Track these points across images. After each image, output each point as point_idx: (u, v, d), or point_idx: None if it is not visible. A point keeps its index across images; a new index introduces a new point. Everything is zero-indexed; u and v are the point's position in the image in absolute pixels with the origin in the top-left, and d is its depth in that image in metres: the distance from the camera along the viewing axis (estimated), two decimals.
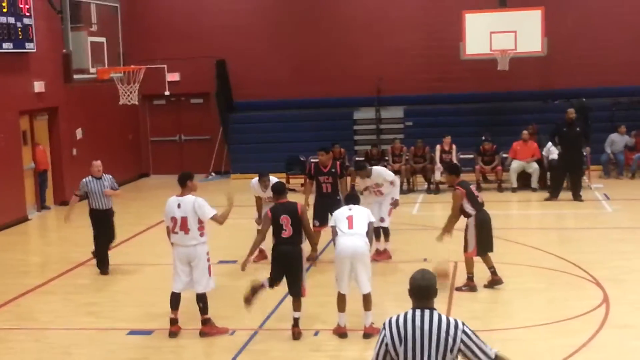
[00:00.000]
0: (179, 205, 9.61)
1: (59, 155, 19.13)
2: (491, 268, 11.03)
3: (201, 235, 9.50)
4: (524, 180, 19.09)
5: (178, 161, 23.78)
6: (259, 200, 13.00)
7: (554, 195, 17.45)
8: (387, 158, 19.96)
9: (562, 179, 17.66)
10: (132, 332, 9.84)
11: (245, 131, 22.92)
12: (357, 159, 20.82)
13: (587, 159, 18.57)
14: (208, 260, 9.58)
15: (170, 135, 24.09)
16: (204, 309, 9.58)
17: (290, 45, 23.14)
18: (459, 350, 4.86)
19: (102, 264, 12.88)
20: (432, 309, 4.94)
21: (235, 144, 23.07)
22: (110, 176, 13.05)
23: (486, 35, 19.85)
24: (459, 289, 10.94)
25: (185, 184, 9.79)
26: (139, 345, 9.47)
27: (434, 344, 4.83)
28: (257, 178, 12.81)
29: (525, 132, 19.29)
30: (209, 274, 9.59)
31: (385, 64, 22.48)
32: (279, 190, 9.79)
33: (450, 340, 4.83)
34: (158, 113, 24.09)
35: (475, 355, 4.88)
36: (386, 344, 4.91)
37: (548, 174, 18.68)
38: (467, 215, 10.96)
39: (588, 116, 20.04)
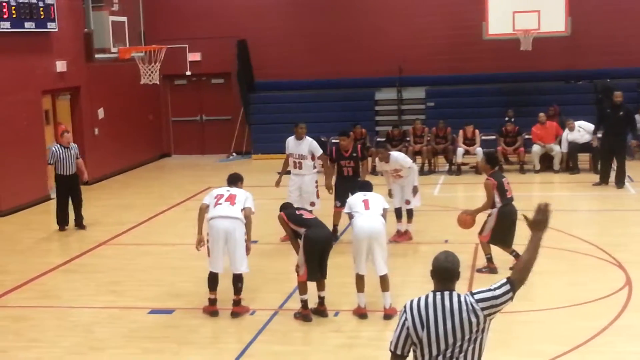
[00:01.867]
0: (227, 189, 9.77)
1: (80, 135, 19.18)
2: (488, 255, 10.99)
3: (241, 215, 9.56)
4: (546, 162, 18.95)
5: (199, 141, 23.85)
6: (287, 160, 13.06)
7: (603, 180, 16.97)
8: (408, 139, 19.88)
9: (608, 163, 17.15)
10: (153, 311, 9.89)
11: (266, 111, 22.90)
12: (378, 139, 20.79)
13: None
14: (246, 241, 9.57)
15: (191, 115, 24.10)
16: (240, 290, 9.61)
17: (312, 25, 23.03)
18: (487, 316, 4.80)
19: (64, 222, 14.54)
20: (452, 291, 4.88)
21: (256, 124, 23.05)
22: (76, 145, 14.81)
23: (509, 15, 19.67)
24: (479, 270, 10.91)
25: (236, 184, 9.92)
26: (159, 324, 9.52)
27: (458, 326, 4.77)
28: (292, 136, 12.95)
29: (542, 114, 19.10)
30: (246, 255, 9.62)
31: (407, 44, 22.34)
32: None
33: (474, 319, 4.77)
34: (179, 93, 24.10)
35: (499, 304, 4.83)
36: (407, 328, 4.83)
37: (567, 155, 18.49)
38: (493, 206, 10.93)
39: (612, 97, 19.77)
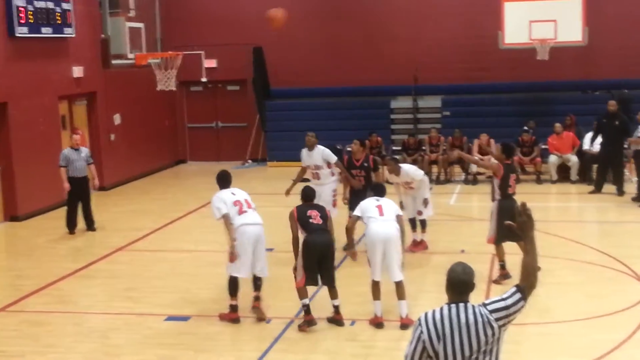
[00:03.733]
0: (232, 193, 9.82)
1: (97, 141, 19.27)
2: (501, 262, 10.89)
3: None
4: (563, 173, 18.88)
5: (215, 148, 23.90)
6: (302, 171, 13.03)
7: (597, 189, 17.17)
8: (424, 148, 19.84)
9: (604, 172, 17.36)
10: (169, 318, 9.90)
11: (281, 118, 22.90)
12: (394, 148, 20.78)
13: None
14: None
15: (207, 122, 24.16)
16: (260, 286, 9.79)
17: (328, 33, 23.05)
18: (501, 326, 4.76)
19: (73, 225, 14.76)
20: (466, 303, 4.85)
21: (271, 132, 23.07)
22: (87, 149, 15.20)
23: (525, 24, 19.62)
24: (495, 281, 10.83)
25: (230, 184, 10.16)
26: (175, 331, 9.53)
27: (474, 339, 4.74)
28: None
29: (557, 124, 19.05)
30: None
31: (423, 53, 22.33)
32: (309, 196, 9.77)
33: (489, 330, 4.74)
34: (195, 99, 24.17)
35: (511, 314, 4.79)
36: (423, 341, 4.79)
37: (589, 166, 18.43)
38: (493, 199, 10.95)
39: (630, 108, 19.72)
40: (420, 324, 4.83)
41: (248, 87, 23.47)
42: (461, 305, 4.81)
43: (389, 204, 9.67)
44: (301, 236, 9.32)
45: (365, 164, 12.62)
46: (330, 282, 9.38)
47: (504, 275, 10.83)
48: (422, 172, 12.81)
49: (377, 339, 9.07)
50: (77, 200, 14.82)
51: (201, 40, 22.56)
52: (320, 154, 12.69)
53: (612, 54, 21.38)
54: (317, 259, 9.24)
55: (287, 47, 22.97)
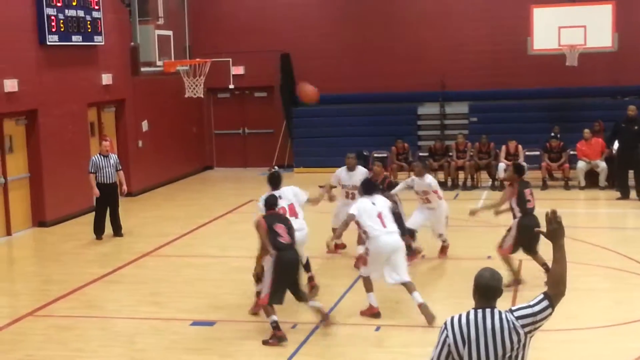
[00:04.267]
0: (279, 196, 10.04)
1: (125, 147, 19.43)
2: (510, 269, 10.78)
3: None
4: (591, 179, 18.73)
5: (242, 154, 23.99)
6: (330, 188, 12.68)
7: (624, 195, 17.07)
8: (450, 154, 19.77)
9: (624, 177, 17.25)
10: (195, 323, 9.93)
11: (308, 125, 22.94)
12: (420, 154, 20.73)
13: None
14: None
15: (234, 129, 24.26)
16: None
17: (355, 39, 23.08)
18: (528, 332, 4.76)
19: (100, 231, 14.96)
20: (493, 309, 4.83)
21: (298, 138, 23.11)
22: (115, 155, 15.40)
23: (555, 30, 19.52)
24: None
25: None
26: (201, 336, 9.56)
27: (500, 344, 4.73)
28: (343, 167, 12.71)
29: (586, 130, 18.92)
30: None
31: (450, 59, 22.28)
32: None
33: (515, 337, 4.72)
34: (222, 106, 24.29)
35: (538, 321, 4.79)
36: (449, 345, 4.79)
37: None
38: (514, 216, 10.88)
39: None
40: (446, 328, 4.83)
41: (275, 93, 23.55)
42: (488, 310, 4.81)
43: (385, 209, 9.82)
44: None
45: (381, 187, 11.97)
46: (303, 297, 9.44)
47: (516, 280, 10.78)
48: (439, 188, 12.55)
49: (404, 344, 9.04)
50: (105, 207, 14.99)
51: (229, 47, 22.69)
52: (362, 175, 12.17)
53: None
54: (291, 278, 9.24)
55: (314, 54, 23.03)
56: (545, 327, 9.12)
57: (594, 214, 17.06)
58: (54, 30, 16.25)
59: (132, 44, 19.82)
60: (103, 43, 18.02)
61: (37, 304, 11.02)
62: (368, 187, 10.16)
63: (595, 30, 19.35)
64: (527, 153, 19.32)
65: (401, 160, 19.75)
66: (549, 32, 19.58)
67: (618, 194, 17.32)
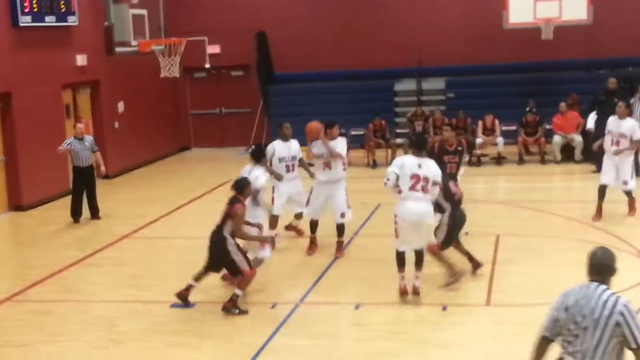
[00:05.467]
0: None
1: (100, 129, 19.28)
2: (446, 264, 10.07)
3: None
4: (567, 153, 18.84)
5: (219, 134, 23.88)
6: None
7: (599, 168, 17.15)
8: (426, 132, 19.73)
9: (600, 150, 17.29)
10: (175, 305, 9.91)
11: (285, 103, 22.85)
12: (397, 131, 20.74)
13: None
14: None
15: (210, 108, 24.13)
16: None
17: (331, 17, 22.99)
18: (617, 326, 4.99)
19: (78, 214, 14.79)
20: (601, 284, 5.13)
21: (275, 117, 23.02)
22: (91, 137, 15.21)
23: (530, 4, 19.50)
24: (447, 285, 10.03)
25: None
26: (181, 317, 9.58)
27: (595, 319, 5.03)
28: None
29: (562, 104, 19.01)
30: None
31: (426, 35, 22.25)
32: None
33: (609, 319, 5.00)
34: (199, 86, 24.14)
35: (629, 335, 4.99)
36: (555, 309, 5.24)
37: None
38: (442, 211, 10.13)
39: (634, 86, 19.61)
40: (560, 295, 5.27)
41: (252, 72, 23.43)
42: (595, 284, 5.16)
43: (429, 170, 9.40)
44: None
45: (460, 148, 11.79)
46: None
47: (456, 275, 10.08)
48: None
49: (383, 322, 9.09)
50: (82, 190, 14.89)
51: (204, 26, 22.45)
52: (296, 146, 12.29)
53: (616, 32, 21.23)
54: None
55: (291, 32, 22.92)
56: (524, 301, 9.26)
57: (570, 188, 17.19)
58: (26, 11, 16.04)
59: (106, 23, 19.68)
60: (77, 23, 17.81)
61: (15, 288, 10.97)
62: (419, 143, 9.69)
63: (571, 3, 19.36)
64: (503, 128, 19.38)
65: (378, 137, 19.75)
66: (524, 5, 19.55)
67: (593, 167, 17.41)
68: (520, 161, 18.84)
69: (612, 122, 13.24)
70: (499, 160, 19.01)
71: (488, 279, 10.36)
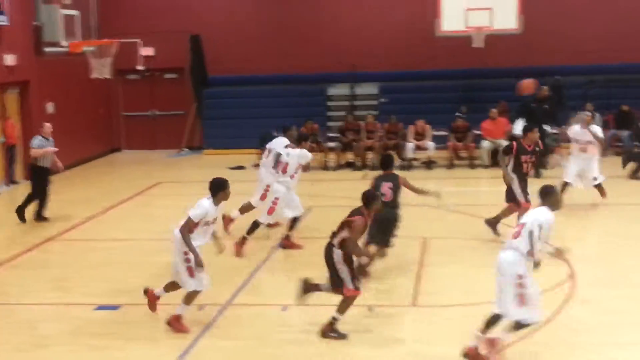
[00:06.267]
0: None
1: (29, 130, 18.88)
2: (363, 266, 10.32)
3: None
4: (496, 157, 19.14)
5: (150, 136, 23.69)
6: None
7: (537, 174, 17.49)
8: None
9: None
10: (100, 307, 9.81)
11: (219, 106, 22.81)
12: (329, 135, 20.83)
13: (560, 137, 18.59)
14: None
15: (143, 110, 23.92)
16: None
17: (266, 21, 23.03)
18: None
19: (22, 214, 14.39)
20: None
21: (209, 119, 22.96)
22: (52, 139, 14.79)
23: (462, 12, 19.79)
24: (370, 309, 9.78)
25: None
26: (106, 320, 9.46)
27: None
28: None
29: (493, 110, 19.38)
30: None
31: (361, 41, 22.44)
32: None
33: None
34: (131, 87, 23.90)
35: None
36: None
37: None
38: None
39: (562, 94, 20.10)
40: None
41: (186, 75, 23.30)
42: None
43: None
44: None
45: (537, 149, 11.98)
46: None
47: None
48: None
49: (309, 324, 9.10)
50: (44, 190, 14.54)
51: (139, 28, 22.29)
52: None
53: (546, 42, 21.72)
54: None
55: (227, 36, 22.91)
56: (446, 302, 9.35)
57: (498, 192, 17.35)
58: None
59: (36, 23, 19.34)
60: (6, 23, 17.50)
61: None
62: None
63: (502, 12, 19.71)
64: (434, 133, 19.64)
65: (311, 141, 19.80)
66: (456, 14, 19.83)
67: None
68: (451, 166, 19.12)
69: (578, 132, 14.56)
70: (429, 164, 19.26)
71: (414, 280, 10.48)
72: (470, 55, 20.96)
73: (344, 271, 8.59)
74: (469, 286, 10.09)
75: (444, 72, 22.23)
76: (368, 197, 8.71)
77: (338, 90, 22.90)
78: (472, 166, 19.06)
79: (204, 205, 8.78)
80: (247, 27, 23.03)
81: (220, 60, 23.07)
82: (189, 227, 8.73)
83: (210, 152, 22.32)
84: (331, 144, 20.07)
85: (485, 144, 19.09)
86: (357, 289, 8.64)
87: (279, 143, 12.29)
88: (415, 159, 19.32)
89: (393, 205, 10.54)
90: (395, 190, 10.56)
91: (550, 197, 7.95)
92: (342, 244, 8.55)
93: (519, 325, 7.81)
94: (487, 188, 17.53)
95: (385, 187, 10.49)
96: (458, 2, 19.87)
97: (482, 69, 21.95)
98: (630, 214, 14.19)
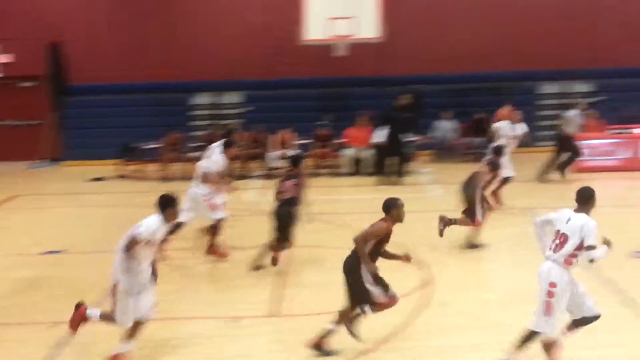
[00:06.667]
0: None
1: None
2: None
3: None
4: (357, 166, 19.48)
5: (2, 147, 22.74)
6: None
7: (378, 177, 18.02)
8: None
9: (382, 162, 18.32)
10: None
11: (82, 115, 22.21)
12: (194, 145, 20.60)
13: (415, 144, 19.15)
14: None
15: None
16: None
17: (128, 29, 22.65)
18: None
19: None
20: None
21: (70, 129, 22.30)
22: None
23: (324, 21, 19.97)
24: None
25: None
26: None
27: None
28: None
29: (360, 118, 19.72)
30: None
31: (225, 49, 22.37)
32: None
33: None
34: None
35: None
36: None
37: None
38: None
39: (421, 103, 20.62)
40: None
41: (43, 83, 22.57)
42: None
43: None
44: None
45: None
46: None
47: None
48: None
49: (168, 338, 8.94)
50: None
51: None
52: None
53: (406, 51, 22.22)
54: None
55: (89, 43, 22.48)
56: (307, 311, 9.26)
57: (359, 200, 17.61)
58: None
59: None
60: None
61: None
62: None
63: (364, 21, 20.02)
64: (300, 141, 19.76)
65: (175, 151, 19.57)
66: (319, 22, 20.02)
67: (383, 179, 18.11)
68: (313, 174, 19.26)
69: (506, 127, 15.90)
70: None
71: (278, 290, 10.46)
72: (333, 64, 21.20)
73: (367, 280, 8.43)
74: (329, 296, 10.02)
75: (309, 80, 22.41)
76: (388, 205, 8.59)
77: (203, 99, 22.73)
78: (335, 174, 19.30)
79: (152, 222, 7.90)
80: (110, 35, 22.60)
81: (84, 69, 22.49)
82: (130, 247, 7.82)
83: (69, 163, 21.67)
84: (193, 154, 19.84)
85: (348, 152, 19.36)
86: (393, 297, 8.49)
87: None
88: (277, 168, 19.36)
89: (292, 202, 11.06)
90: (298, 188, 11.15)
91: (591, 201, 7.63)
92: (357, 241, 8.47)
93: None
94: (347, 196, 17.69)
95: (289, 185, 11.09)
96: (321, 11, 20.06)
97: (345, 77, 22.24)
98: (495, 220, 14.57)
